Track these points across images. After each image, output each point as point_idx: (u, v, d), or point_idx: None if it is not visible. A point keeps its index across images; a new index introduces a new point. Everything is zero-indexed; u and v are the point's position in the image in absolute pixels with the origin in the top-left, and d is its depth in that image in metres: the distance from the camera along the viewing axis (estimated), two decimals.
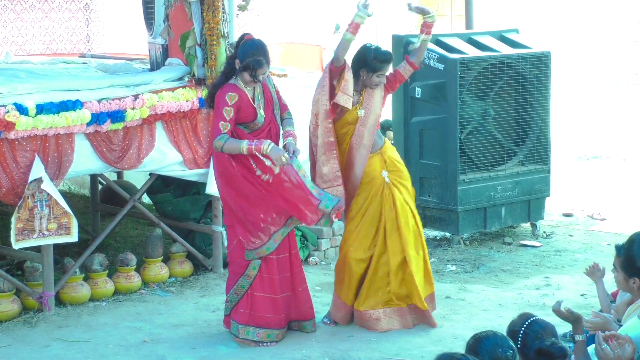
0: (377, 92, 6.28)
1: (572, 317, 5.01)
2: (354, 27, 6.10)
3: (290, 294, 6.17)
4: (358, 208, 6.32)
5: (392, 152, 6.45)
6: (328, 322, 6.39)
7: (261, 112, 6.03)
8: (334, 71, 6.14)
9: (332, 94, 6.15)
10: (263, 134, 6.06)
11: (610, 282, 5.60)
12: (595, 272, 5.62)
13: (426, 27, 6.29)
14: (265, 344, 6.01)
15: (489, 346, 3.98)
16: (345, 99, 6.14)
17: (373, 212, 6.30)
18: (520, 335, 4.24)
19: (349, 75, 6.14)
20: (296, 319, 6.22)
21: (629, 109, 15.90)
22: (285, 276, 6.15)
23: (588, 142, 13.05)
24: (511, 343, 4.05)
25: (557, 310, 5.15)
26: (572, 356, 5.10)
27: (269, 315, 6.05)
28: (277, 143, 6.09)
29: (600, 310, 5.51)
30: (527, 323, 4.37)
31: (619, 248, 4.99)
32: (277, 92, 6.25)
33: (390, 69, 6.38)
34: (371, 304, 6.29)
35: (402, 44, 8.06)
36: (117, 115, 6.66)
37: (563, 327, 5.71)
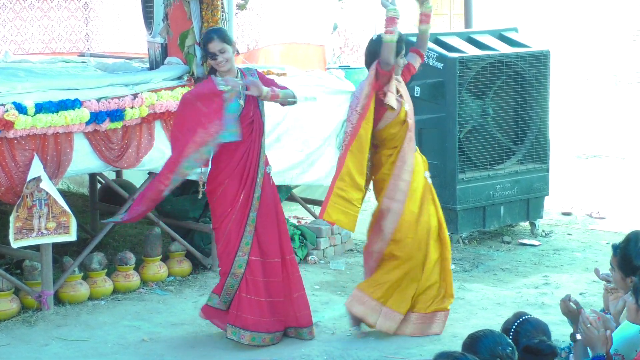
0: (403, 83, 6.22)
1: (577, 311, 5.01)
2: (392, 23, 5.92)
3: (285, 300, 6.05)
4: (411, 211, 6.13)
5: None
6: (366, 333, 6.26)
7: (240, 101, 5.88)
8: (385, 75, 5.97)
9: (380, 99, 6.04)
10: (243, 125, 5.91)
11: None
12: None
13: (425, 16, 6.25)
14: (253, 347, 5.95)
15: (489, 344, 3.99)
16: (392, 96, 6.06)
17: (419, 215, 6.15)
18: (512, 333, 4.25)
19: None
20: (293, 325, 6.12)
21: (628, 107, 15.91)
22: (275, 281, 6.03)
23: (587, 141, 13.05)
24: (509, 340, 4.05)
25: (564, 301, 5.14)
26: (572, 355, 5.11)
27: (254, 317, 5.93)
28: (260, 140, 5.99)
29: (602, 309, 5.51)
30: (519, 321, 4.39)
31: (615, 247, 4.98)
32: (272, 81, 6.15)
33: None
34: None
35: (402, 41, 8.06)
36: (116, 114, 6.66)
37: (562, 326, 5.71)
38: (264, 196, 6.00)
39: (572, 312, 5.05)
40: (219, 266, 6.10)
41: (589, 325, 4.39)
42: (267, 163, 6.07)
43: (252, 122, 5.97)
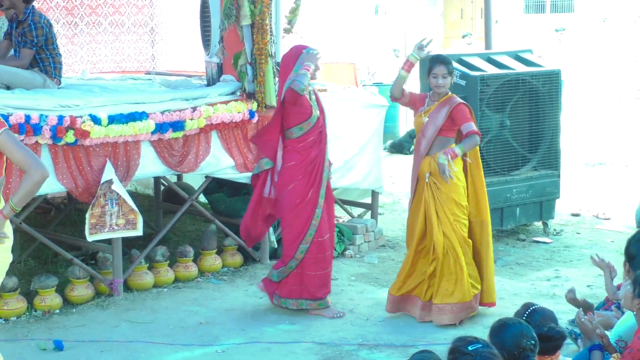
0: (444, 110, 6.14)
1: (586, 305, 4.95)
2: (409, 66, 6.16)
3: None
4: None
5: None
6: None
7: (316, 112, 6.18)
8: (398, 101, 6.26)
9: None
10: (314, 135, 6.16)
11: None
12: (601, 265, 5.51)
13: (407, 65, 6.20)
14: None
15: (515, 334, 3.90)
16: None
17: (415, 207, 6.26)
18: None
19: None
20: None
21: (631, 120, 15.73)
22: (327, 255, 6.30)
23: (594, 150, 12.91)
24: (534, 334, 3.94)
25: (572, 299, 5.08)
26: (580, 339, 5.05)
27: (319, 289, 6.24)
28: (324, 149, 6.21)
29: (606, 298, 5.45)
30: (527, 312, 4.32)
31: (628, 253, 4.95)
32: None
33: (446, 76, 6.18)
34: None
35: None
36: (177, 125, 6.71)
37: (570, 315, 5.65)
38: (326, 195, 6.25)
39: (575, 301, 5.00)
40: (283, 251, 6.33)
41: (582, 319, 4.37)
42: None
43: (320, 131, 6.20)
